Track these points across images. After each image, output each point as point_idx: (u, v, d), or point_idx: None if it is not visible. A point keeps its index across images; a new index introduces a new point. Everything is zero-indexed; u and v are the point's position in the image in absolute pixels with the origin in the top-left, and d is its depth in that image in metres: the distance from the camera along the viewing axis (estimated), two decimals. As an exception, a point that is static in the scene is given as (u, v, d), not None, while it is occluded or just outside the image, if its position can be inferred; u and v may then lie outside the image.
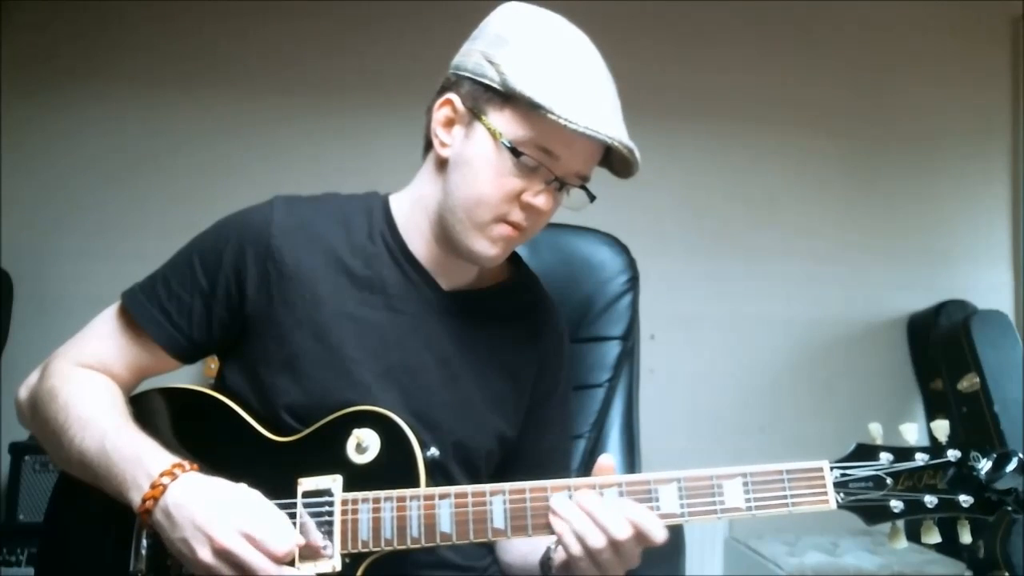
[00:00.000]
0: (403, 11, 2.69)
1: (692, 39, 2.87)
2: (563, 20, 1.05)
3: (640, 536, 0.88)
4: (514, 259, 1.21)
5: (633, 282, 1.48)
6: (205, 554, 0.87)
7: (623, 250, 1.50)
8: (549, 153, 0.99)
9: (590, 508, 0.89)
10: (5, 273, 2.47)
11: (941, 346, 2.74)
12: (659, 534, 0.89)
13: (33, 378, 1.07)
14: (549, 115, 0.95)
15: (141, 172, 2.61)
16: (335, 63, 2.71)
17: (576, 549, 0.89)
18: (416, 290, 1.08)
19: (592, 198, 1.06)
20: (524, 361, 1.15)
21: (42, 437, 1.05)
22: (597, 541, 0.88)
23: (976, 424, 2.52)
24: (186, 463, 0.93)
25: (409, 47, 2.66)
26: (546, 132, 0.97)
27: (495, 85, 0.99)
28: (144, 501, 0.90)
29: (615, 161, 1.04)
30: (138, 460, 0.93)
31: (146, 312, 1.06)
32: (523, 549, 1.10)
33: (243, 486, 0.92)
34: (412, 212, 1.09)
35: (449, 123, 1.04)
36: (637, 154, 0.99)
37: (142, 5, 2.63)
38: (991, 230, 3.03)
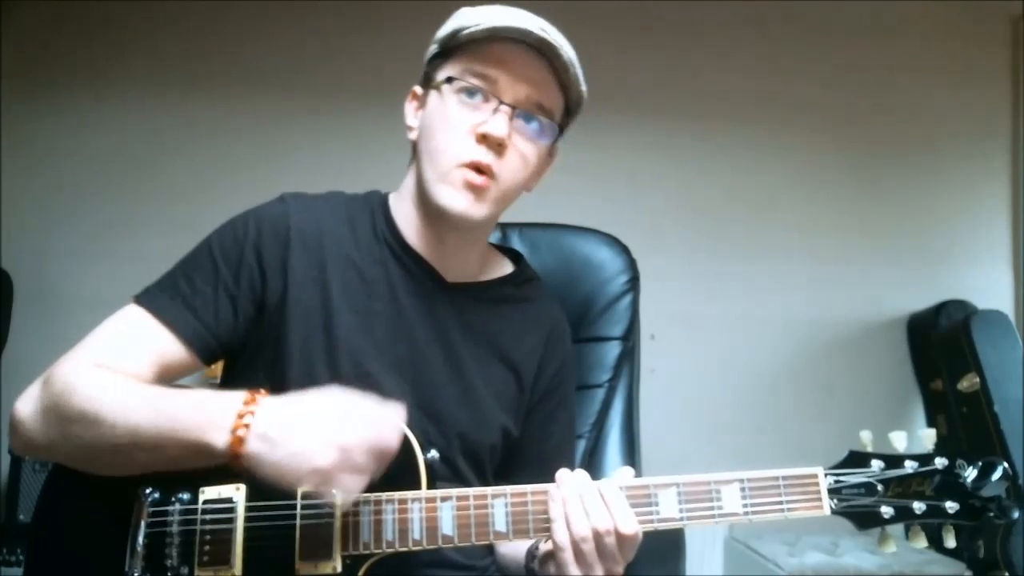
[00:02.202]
0: (403, 11, 2.69)
1: (692, 40, 2.87)
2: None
3: (617, 531, 0.88)
4: (516, 257, 1.22)
5: (633, 282, 1.48)
6: (325, 458, 0.82)
7: (623, 250, 1.50)
8: (485, 77, 1.02)
9: (582, 490, 0.89)
10: (5, 273, 2.47)
11: (941, 346, 2.74)
12: (627, 526, 0.88)
13: (33, 390, 0.97)
14: (464, 32, 1.01)
15: (141, 172, 2.61)
16: (335, 63, 2.71)
17: (562, 536, 0.89)
18: (421, 284, 1.09)
19: (560, 131, 1.07)
20: (525, 356, 1.15)
21: (63, 442, 0.93)
22: (581, 528, 0.88)
23: (976, 424, 2.51)
24: (260, 389, 0.90)
25: (409, 47, 2.65)
26: (476, 56, 1.02)
27: (435, 51, 1.06)
28: (234, 433, 0.85)
29: (564, 85, 1.05)
30: (201, 406, 0.88)
31: (170, 309, 1.01)
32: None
33: (321, 392, 0.90)
34: (404, 206, 1.11)
35: (416, 111, 1.10)
36: (551, 34, 1.00)
37: (143, 5, 2.63)
38: (991, 230, 3.03)
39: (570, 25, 1.06)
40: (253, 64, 2.69)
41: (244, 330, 1.04)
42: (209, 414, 0.87)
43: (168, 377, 1.01)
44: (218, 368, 1.13)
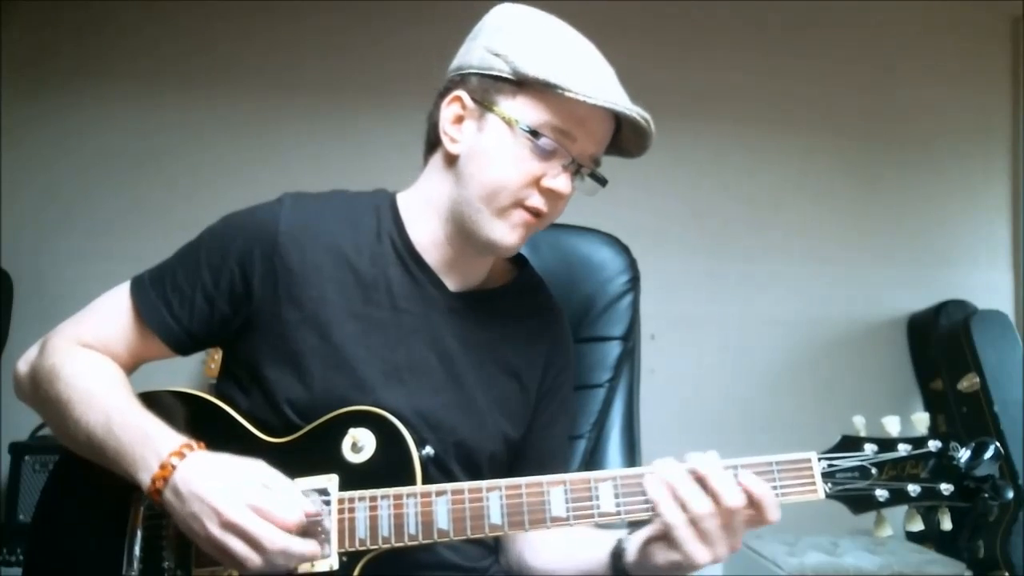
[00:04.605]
0: (403, 11, 2.69)
1: (692, 39, 2.87)
2: (553, 16, 1.07)
3: (754, 508, 0.88)
4: (519, 260, 1.22)
5: (634, 282, 1.48)
6: (213, 528, 0.87)
7: (624, 250, 1.50)
8: (566, 134, 1.00)
9: (703, 472, 0.89)
10: (5, 273, 2.47)
11: (941, 346, 2.74)
12: (775, 512, 0.89)
13: (33, 353, 1.08)
14: (567, 93, 0.97)
15: (141, 171, 2.61)
16: (335, 63, 2.71)
17: (675, 517, 0.88)
18: (422, 290, 1.08)
19: (604, 182, 1.07)
20: (529, 362, 1.15)
21: (45, 415, 1.06)
22: (702, 506, 0.87)
23: (976, 424, 2.52)
24: (194, 443, 0.94)
25: (409, 47, 2.66)
26: (562, 112, 0.99)
27: (505, 74, 1.01)
28: (154, 482, 0.91)
29: (624, 140, 1.05)
30: (145, 440, 0.93)
31: (148, 301, 1.07)
32: (568, 551, 1.07)
33: (252, 460, 0.93)
34: (421, 212, 1.09)
35: (459, 120, 1.05)
36: (652, 124, 1.00)
37: (142, 5, 2.63)
38: (991, 230, 3.03)
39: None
40: (252, 63, 2.69)
41: (219, 329, 1.07)
42: (144, 453, 0.93)
43: (144, 359, 1.11)
44: (219, 368, 1.14)
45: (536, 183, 1.01)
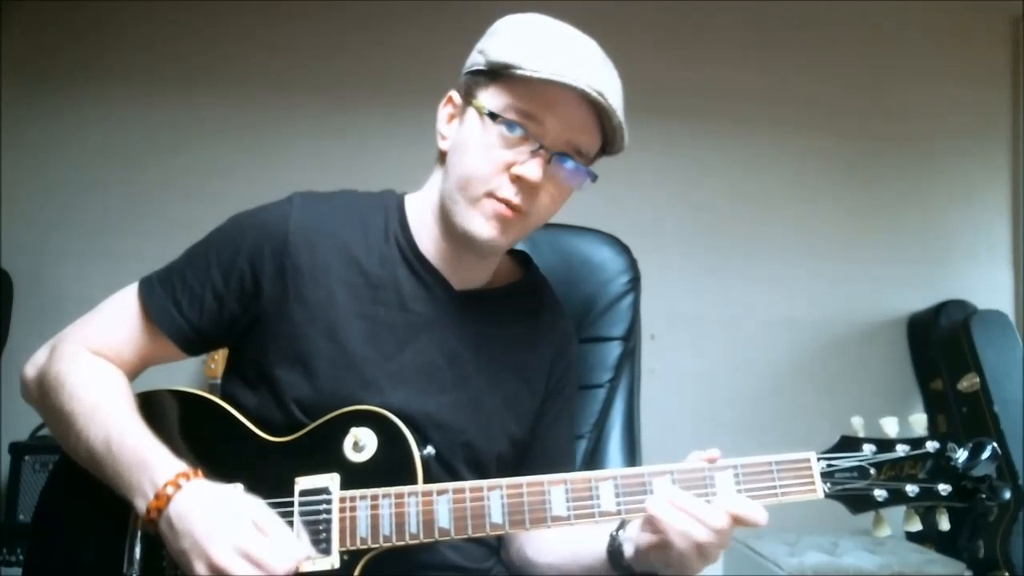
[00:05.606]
0: (404, 11, 2.69)
1: (692, 39, 2.88)
2: (558, 20, 1.06)
3: (739, 523, 0.90)
4: (524, 260, 1.22)
5: (634, 282, 1.48)
6: (202, 570, 0.87)
7: (624, 250, 1.50)
8: (531, 117, 0.99)
9: (689, 508, 0.90)
10: (5, 273, 2.47)
11: (941, 346, 2.74)
12: (761, 517, 0.90)
13: (41, 357, 1.07)
14: (518, 71, 0.97)
15: (141, 171, 2.61)
16: (336, 63, 2.71)
17: (681, 543, 0.89)
18: (428, 291, 1.08)
19: (593, 177, 1.04)
20: (535, 361, 1.15)
21: (49, 423, 1.06)
22: (702, 535, 0.88)
23: (976, 424, 2.52)
24: (190, 471, 0.93)
25: (411, 47, 2.66)
26: (525, 95, 0.99)
27: (481, 67, 1.02)
28: (149, 511, 0.91)
29: (608, 133, 1.03)
30: (143, 466, 0.93)
31: (157, 301, 1.06)
32: (568, 547, 1.08)
33: (249, 497, 0.92)
34: (422, 213, 1.10)
35: (450, 119, 1.07)
36: (609, 99, 0.97)
37: (142, 5, 2.63)
38: (991, 230, 3.03)
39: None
40: (252, 62, 2.69)
41: (229, 328, 1.07)
42: (140, 478, 0.92)
43: (153, 361, 1.10)
44: (219, 368, 1.14)
45: (506, 171, 1.00)
